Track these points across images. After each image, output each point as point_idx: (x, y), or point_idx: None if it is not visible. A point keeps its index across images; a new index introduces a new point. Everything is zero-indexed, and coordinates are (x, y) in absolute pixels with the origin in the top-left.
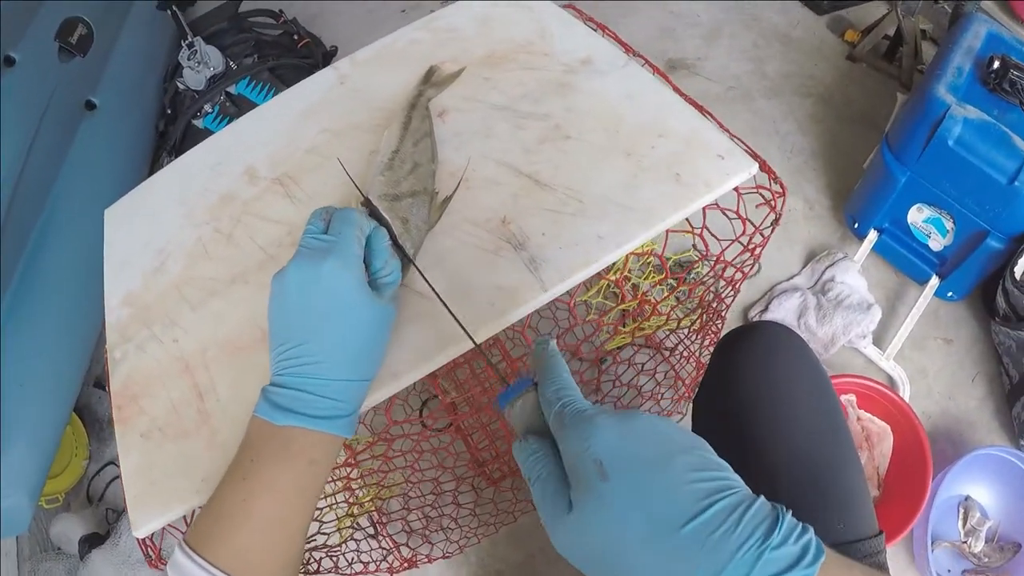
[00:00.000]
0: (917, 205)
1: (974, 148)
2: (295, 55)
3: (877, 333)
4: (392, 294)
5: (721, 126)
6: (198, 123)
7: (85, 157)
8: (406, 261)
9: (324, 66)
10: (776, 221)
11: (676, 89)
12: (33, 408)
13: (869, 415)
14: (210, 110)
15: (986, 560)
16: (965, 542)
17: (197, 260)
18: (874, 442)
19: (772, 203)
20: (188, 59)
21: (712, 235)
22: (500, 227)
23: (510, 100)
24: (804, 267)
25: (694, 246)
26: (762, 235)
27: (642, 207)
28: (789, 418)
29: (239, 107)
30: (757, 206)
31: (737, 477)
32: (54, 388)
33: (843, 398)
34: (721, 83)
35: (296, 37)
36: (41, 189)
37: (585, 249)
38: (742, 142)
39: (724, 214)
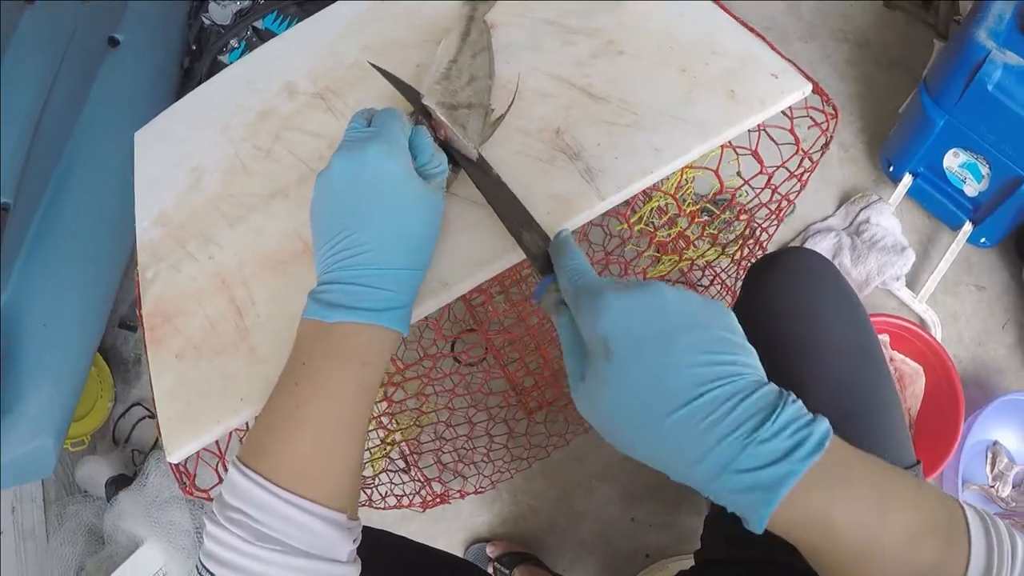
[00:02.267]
0: (953, 150)
1: (1013, 94)
2: None
3: (910, 276)
4: (440, 183)
5: (773, 48)
6: (224, 59)
7: (108, 94)
8: (458, 167)
9: None
10: (827, 145)
11: (725, 10)
12: (57, 349)
13: (902, 356)
14: (236, 45)
15: (1013, 505)
16: (993, 486)
17: (235, 176)
18: (906, 383)
19: (824, 125)
20: None
21: (758, 160)
22: (554, 138)
23: (559, 15)
24: (839, 208)
25: (739, 172)
26: (811, 159)
27: (697, 121)
28: (823, 345)
29: (266, 42)
30: (809, 127)
31: (751, 361)
32: (78, 328)
33: None
34: (757, 24)
35: None
36: (64, 126)
37: (641, 160)
38: (795, 64)
39: (772, 140)
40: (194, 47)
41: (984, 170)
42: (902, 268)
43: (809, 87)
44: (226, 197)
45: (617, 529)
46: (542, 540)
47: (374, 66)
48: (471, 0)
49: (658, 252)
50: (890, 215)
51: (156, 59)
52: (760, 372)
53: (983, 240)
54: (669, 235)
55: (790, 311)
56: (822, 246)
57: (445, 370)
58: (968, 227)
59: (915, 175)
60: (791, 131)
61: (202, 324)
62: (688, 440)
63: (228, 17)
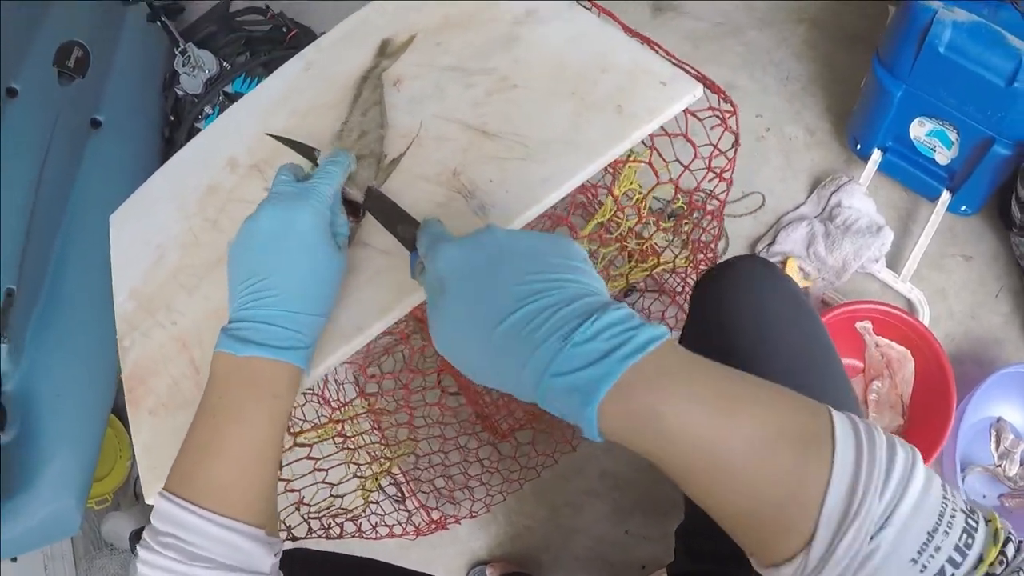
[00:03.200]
0: (918, 119)
1: (967, 51)
2: (285, 47)
3: (892, 255)
4: (343, 243)
5: (667, 53)
6: (200, 126)
7: (96, 173)
8: (354, 212)
9: None
10: (736, 141)
11: (622, 25)
12: (71, 416)
13: (888, 341)
14: (211, 111)
15: (1022, 483)
16: (999, 465)
17: (189, 248)
18: (895, 368)
19: (725, 123)
20: (183, 65)
21: (675, 160)
22: (451, 179)
23: (460, 60)
24: (810, 195)
25: (671, 179)
26: (726, 157)
27: (585, 143)
28: (770, 353)
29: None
30: (712, 128)
31: (583, 280)
32: (90, 396)
33: (858, 325)
34: (709, 20)
35: (285, 30)
36: (57, 209)
37: (531, 190)
38: (688, 66)
39: (689, 141)
40: (172, 117)
41: (952, 136)
42: (880, 249)
43: (699, 89)
44: (184, 268)
45: (611, 544)
46: (538, 558)
47: (270, 135)
48: (376, 58)
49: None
50: (862, 195)
51: (138, 134)
52: (595, 288)
53: (964, 208)
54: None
55: (735, 322)
56: (794, 236)
57: (430, 401)
58: (946, 196)
59: (884, 150)
60: (685, 136)
61: (168, 383)
62: (512, 349)
63: (199, 86)
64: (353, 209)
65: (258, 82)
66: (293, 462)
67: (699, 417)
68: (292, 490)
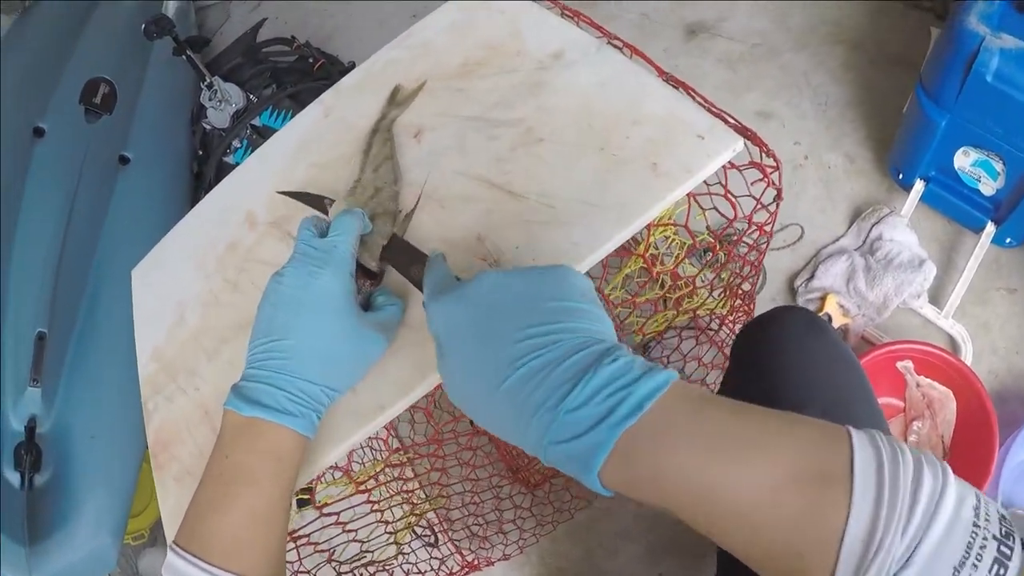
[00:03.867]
0: (963, 149)
1: (1016, 81)
2: (312, 78)
3: (934, 289)
4: (383, 323)
5: (704, 100)
6: (229, 159)
7: (125, 211)
8: (368, 275)
9: None
10: (778, 196)
11: (654, 66)
12: (106, 456)
13: (929, 380)
14: (239, 145)
15: None
16: None
17: (210, 310)
18: (936, 409)
19: (768, 177)
20: (209, 99)
21: (723, 215)
22: (476, 245)
23: (483, 109)
24: (850, 227)
25: (708, 227)
26: (768, 211)
27: (617, 204)
28: (812, 405)
29: (266, 137)
30: (753, 183)
31: (580, 325)
32: (124, 434)
33: (899, 365)
34: (745, 41)
35: (311, 60)
36: (87, 248)
37: (559, 259)
38: (727, 115)
39: (730, 201)
40: (200, 152)
41: (998, 166)
42: (923, 284)
43: (740, 143)
44: (205, 331)
45: None
46: None
47: (281, 192)
48: (385, 107)
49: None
50: (904, 228)
51: (167, 170)
52: (593, 334)
53: (1009, 240)
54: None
55: (778, 377)
56: (834, 271)
57: (463, 443)
58: (991, 228)
59: (927, 180)
60: (725, 194)
61: (191, 451)
62: (513, 413)
63: (226, 120)
64: (366, 272)
65: (285, 115)
66: (322, 528)
67: (702, 470)
68: (321, 551)
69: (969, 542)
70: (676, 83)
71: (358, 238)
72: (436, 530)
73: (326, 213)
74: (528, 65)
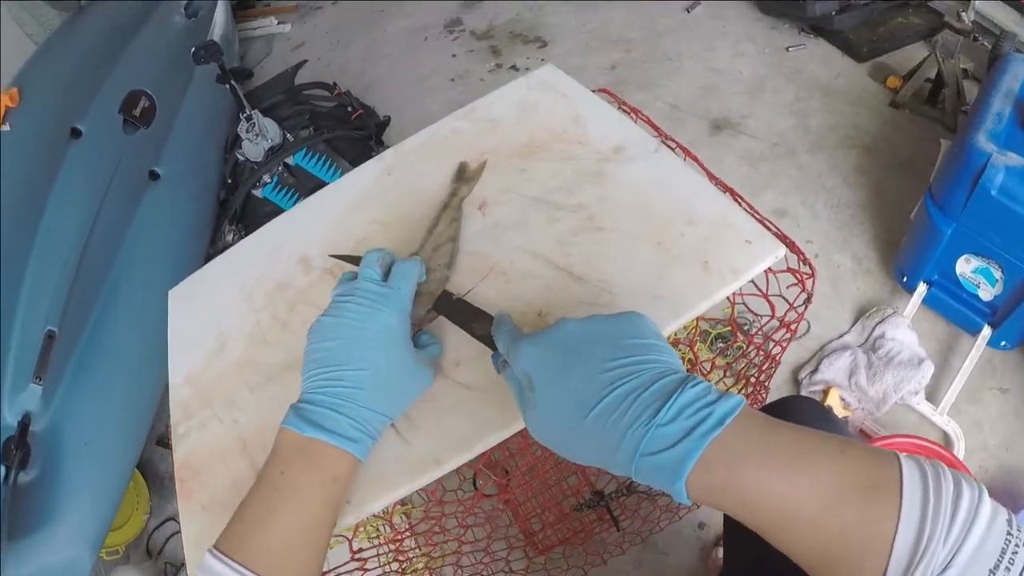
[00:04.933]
0: (965, 256)
1: (1018, 196)
2: (349, 127)
3: (931, 386)
4: (428, 359)
5: (750, 208)
6: (257, 192)
7: (149, 225)
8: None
9: (378, 136)
10: (808, 300)
11: (706, 171)
12: (97, 466)
13: None
14: (269, 180)
15: None
16: None
17: (256, 344)
18: None
19: (803, 283)
20: (247, 132)
21: (750, 310)
22: (537, 319)
23: (545, 191)
24: (854, 324)
25: (733, 320)
26: (796, 312)
27: (671, 296)
28: None
29: (296, 177)
30: (788, 287)
31: (660, 357)
32: (118, 447)
33: None
34: (766, 140)
35: (350, 109)
36: (107, 256)
37: None
38: (770, 223)
39: (759, 293)
40: (229, 180)
41: (997, 274)
42: (920, 382)
43: (783, 251)
44: (248, 363)
45: None
46: None
47: (334, 256)
48: (454, 183)
49: None
50: (906, 328)
51: (194, 192)
52: (671, 365)
53: (1003, 343)
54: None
55: None
56: (837, 365)
57: (464, 500)
58: (987, 331)
59: (929, 284)
60: (765, 296)
61: (225, 483)
62: (604, 436)
63: (260, 154)
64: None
65: (319, 158)
66: None
67: (773, 482)
68: None
69: (1003, 548)
70: (725, 188)
71: (415, 286)
72: None
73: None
74: (589, 154)
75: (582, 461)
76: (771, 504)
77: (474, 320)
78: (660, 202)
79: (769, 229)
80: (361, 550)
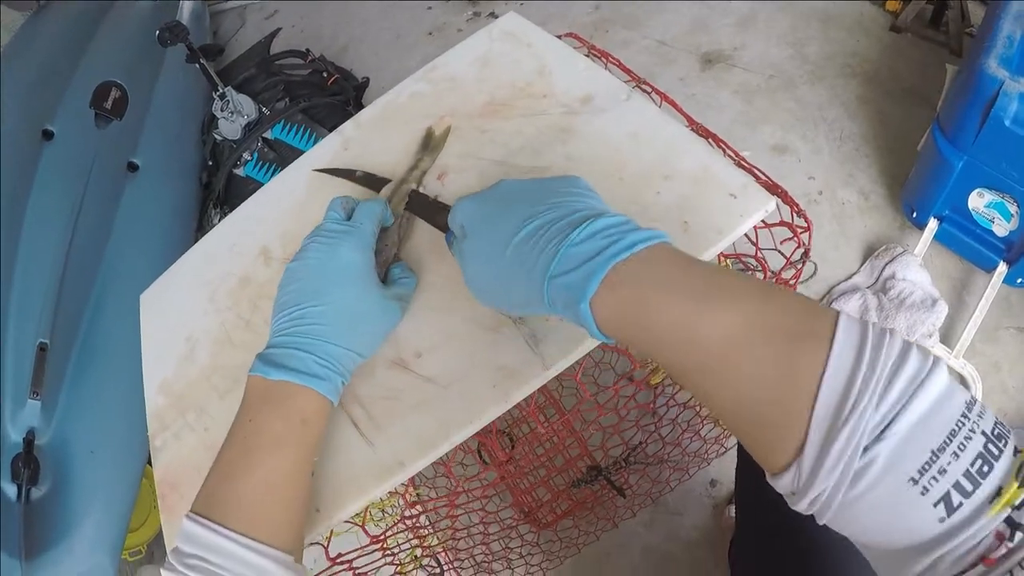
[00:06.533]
0: (978, 190)
1: None
2: (326, 93)
3: (945, 327)
4: (400, 294)
5: (735, 155)
6: (239, 172)
7: (133, 219)
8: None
9: (356, 100)
10: (805, 255)
11: (685, 116)
12: (106, 471)
13: None
14: (249, 158)
15: None
16: None
17: (222, 347)
18: None
19: (798, 239)
20: (221, 110)
21: (744, 264)
22: None
23: (508, 153)
24: (863, 264)
25: None
26: (795, 268)
27: None
28: None
29: (277, 151)
30: (783, 241)
31: (586, 202)
32: (124, 451)
33: None
34: (761, 72)
35: (325, 75)
36: (93, 257)
37: None
38: (758, 171)
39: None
40: (210, 162)
41: (1013, 208)
42: (934, 324)
43: (772, 204)
44: (216, 368)
45: None
46: None
47: (321, 170)
48: (419, 152)
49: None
50: (917, 267)
51: (176, 179)
52: (595, 207)
53: (1020, 280)
54: None
55: None
56: (847, 308)
57: (475, 487)
58: (1003, 268)
59: (940, 219)
60: (756, 256)
61: None
62: (521, 263)
63: (238, 131)
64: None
65: (297, 129)
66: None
67: (679, 307)
68: None
69: (953, 430)
70: (706, 134)
71: (379, 225)
72: (441, 562)
73: (377, 191)
74: (555, 109)
75: (508, 307)
76: (682, 338)
77: (437, 213)
78: (633, 157)
79: (758, 178)
80: (384, 536)
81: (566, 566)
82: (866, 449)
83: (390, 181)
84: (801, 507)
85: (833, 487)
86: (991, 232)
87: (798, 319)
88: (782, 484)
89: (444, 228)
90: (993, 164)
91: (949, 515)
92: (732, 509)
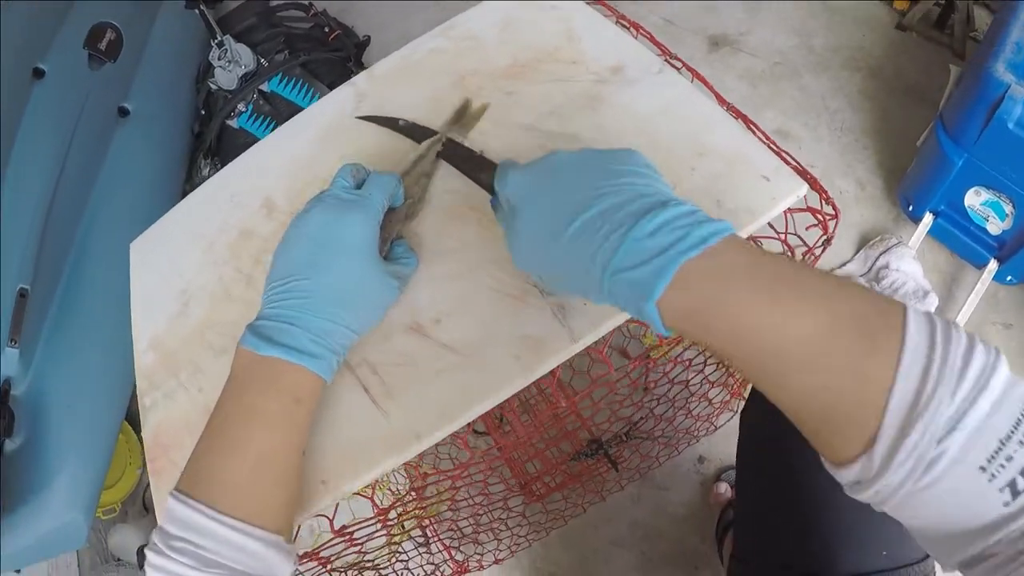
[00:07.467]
0: (975, 188)
1: None
2: (326, 49)
3: None
4: (400, 272)
5: (767, 139)
6: (233, 123)
7: (121, 166)
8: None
9: (357, 58)
10: (828, 241)
11: (716, 95)
12: (82, 427)
13: None
14: (244, 109)
15: None
16: None
17: (219, 303)
18: None
19: (824, 227)
20: (219, 59)
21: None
22: (526, 272)
23: (536, 118)
24: (857, 253)
25: None
26: (814, 255)
27: None
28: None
29: (273, 105)
30: (808, 228)
31: (647, 182)
32: (102, 406)
33: None
34: (766, 59)
35: (327, 30)
36: (78, 202)
37: None
38: (788, 156)
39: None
40: (203, 112)
41: (1008, 208)
42: None
43: (804, 189)
44: (212, 325)
45: None
46: None
47: (364, 117)
48: (450, 123)
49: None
50: (910, 259)
51: (167, 127)
52: (660, 190)
53: (1009, 278)
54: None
55: (783, 444)
56: None
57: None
58: (993, 265)
59: (936, 214)
60: (783, 240)
61: None
62: (580, 252)
63: (234, 81)
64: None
65: (295, 83)
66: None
67: (758, 309)
68: (321, 560)
69: (1018, 419)
70: (737, 115)
71: (389, 201)
72: (427, 530)
73: (418, 142)
74: (584, 76)
75: (562, 287)
76: (756, 336)
77: (480, 169)
78: (666, 132)
79: (787, 163)
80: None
81: (552, 537)
82: (939, 441)
83: (437, 134)
84: (863, 496)
85: (903, 479)
86: (984, 230)
87: (872, 311)
88: (847, 475)
89: (488, 188)
90: (993, 164)
91: (1014, 498)
92: (720, 486)
